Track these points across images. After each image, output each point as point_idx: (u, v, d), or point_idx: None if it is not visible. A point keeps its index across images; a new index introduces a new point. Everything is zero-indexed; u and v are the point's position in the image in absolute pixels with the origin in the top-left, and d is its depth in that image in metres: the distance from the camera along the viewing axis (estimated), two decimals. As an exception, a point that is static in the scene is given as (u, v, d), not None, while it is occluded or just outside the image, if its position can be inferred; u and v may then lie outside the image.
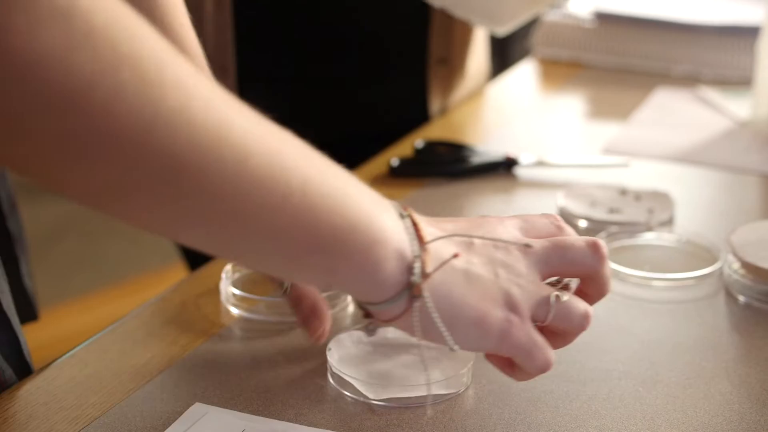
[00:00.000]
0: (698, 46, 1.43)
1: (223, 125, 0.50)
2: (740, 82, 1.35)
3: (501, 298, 0.60)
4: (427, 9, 1.25)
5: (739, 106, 1.27)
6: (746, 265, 0.82)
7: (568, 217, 0.97)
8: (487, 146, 1.15)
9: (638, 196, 1.00)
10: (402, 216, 0.59)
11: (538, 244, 0.63)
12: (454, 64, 1.28)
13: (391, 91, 1.28)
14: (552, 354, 0.62)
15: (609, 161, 1.11)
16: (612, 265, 0.86)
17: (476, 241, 0.62)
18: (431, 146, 1.12)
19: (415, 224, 0.59)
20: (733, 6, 1.54)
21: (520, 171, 1.09)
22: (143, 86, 0.47)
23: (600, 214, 0.97)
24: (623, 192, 1.01)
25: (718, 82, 1.38)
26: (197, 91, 0.50)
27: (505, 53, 3.16)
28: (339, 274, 0.57)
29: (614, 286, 0.84)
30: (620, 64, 1.45)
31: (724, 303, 0.83)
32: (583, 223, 0.96)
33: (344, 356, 0.71)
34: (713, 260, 0.87)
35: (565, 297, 0.62)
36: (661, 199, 1.00)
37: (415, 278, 0.58)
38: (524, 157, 1.09)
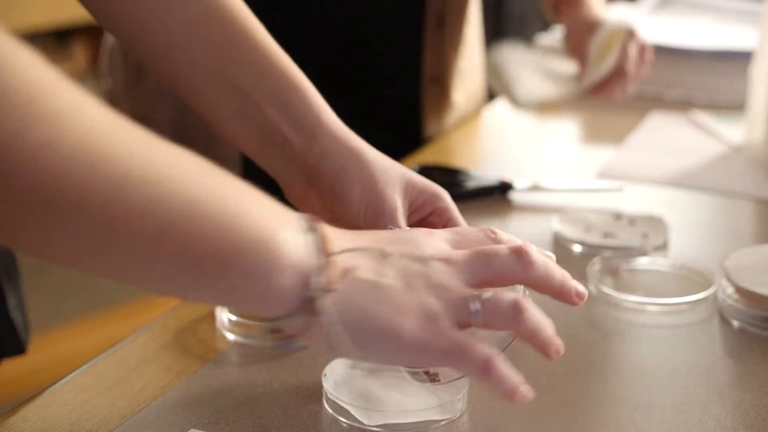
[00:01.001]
0: (692, 70, 1.44)
1: (101, 155, 0.50)
2: (734, 106, 1.36)
3: (415, 310, 0.58)
4: (420, 28, 1.25)
5: (732, 131, 1.28)
6: (740, 290, 0.83)
7: (563, 242, 0.97)
8: (481, 171, 1.15)
9: (632, 221, 1.01)
10: (307, 230, 0.58)
11: (458, 255, 0.61)
12: (447, 84, 1.29)
13: (385, 110, 1.28)
14: (487, 348, 0.59)
15: (603, 186, 1.11)
16: (606, 290, 0.86)
17: (393, 253, 0.60)
18: (426, 170, 1.12)
19: (322, 237, 0.58)
20: (726, 31, 1.55)
21: (514, 195, 1.09)
22: (9, 119, 0.47)
23: (594, 239, 0.97)
24: (618, 216, 1.02)
25: (712, 107, 1.39)
26: (73, 122, 0.49)
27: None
28: (232, 295, 0.56)
29: (609, 311, 0.85)
30: (614, 89, 1.46)
31: (718, 328, 0.83)
32: (577, 248, 0.96)
33: (339, 382, 0.71)
34: (707, 285, 0.88)
35: (488, 294, 0.60)
36: (656, 223, 1.00)
37: (313, 293, 0.57)
38: (519, 182, 1.10)
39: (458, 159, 1.25)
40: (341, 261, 0.59)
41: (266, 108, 0.75)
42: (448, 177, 1.11)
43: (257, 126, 0.75)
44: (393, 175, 0.74)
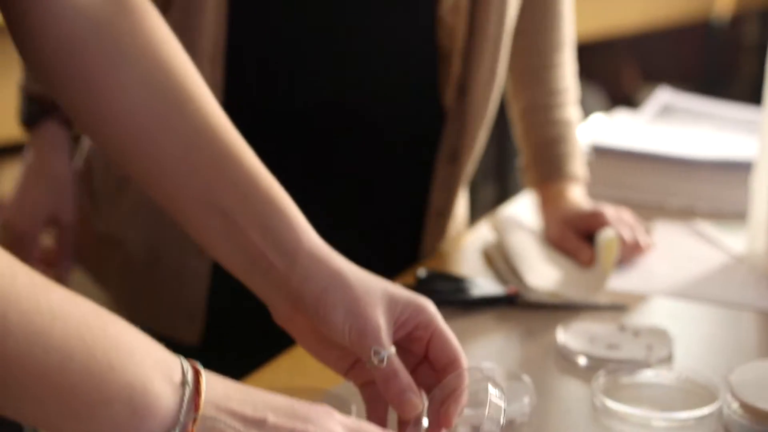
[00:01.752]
0: (693, 180, 1.46)
1: None
2: (735, 216, 1.38)
3: None
4: (431, 162, 1.24)
5: (735, 240, 1.29)
6: (745, 406, 0.83)
7: (568, 354, 0.98)
8: (487, 279, 1.16)
9: (637, 332, 1.01)
10: (182, 383, 0.60)
11: None
12: (449, 215, 1.27)
13: (382, 237, 1.26)
14: None
15: (607, 305, 1.11)
16: (612, 404, 0.86)
17: (271, 421, 0.62)
18: (432, 278, 1.13)
19: (196, 392, 0.60)
20: (726, 139, 1.57)
21: (520, 305, 1.10)
22: None
23: (599, 351, 0.97)
24: (622, 328, 1.02)
25: (714, 216, 1.40)
26: None
27: (504, 184, 3.19)
28: None
29: (614, 424, 0.85)
30: (617, 197, 1.48)
31: (724, 443, 0.83)
32: (582, 360, 0.97)
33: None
34: (712, 399, 0.88)
35: None
36: (660, 335, 1.01)
37: None
38: (525, 292, 1.10)
39: (465, 267, 1.26)
40: (208, 419, 0.60)
41: (250, 232, 0.76)
42: (453, 285, 1.12)
43: (242, 250, 0.76)
44: (375, 295, 0.75)
